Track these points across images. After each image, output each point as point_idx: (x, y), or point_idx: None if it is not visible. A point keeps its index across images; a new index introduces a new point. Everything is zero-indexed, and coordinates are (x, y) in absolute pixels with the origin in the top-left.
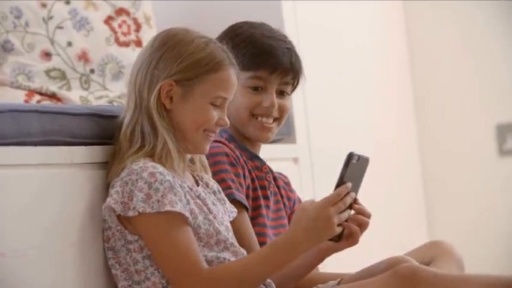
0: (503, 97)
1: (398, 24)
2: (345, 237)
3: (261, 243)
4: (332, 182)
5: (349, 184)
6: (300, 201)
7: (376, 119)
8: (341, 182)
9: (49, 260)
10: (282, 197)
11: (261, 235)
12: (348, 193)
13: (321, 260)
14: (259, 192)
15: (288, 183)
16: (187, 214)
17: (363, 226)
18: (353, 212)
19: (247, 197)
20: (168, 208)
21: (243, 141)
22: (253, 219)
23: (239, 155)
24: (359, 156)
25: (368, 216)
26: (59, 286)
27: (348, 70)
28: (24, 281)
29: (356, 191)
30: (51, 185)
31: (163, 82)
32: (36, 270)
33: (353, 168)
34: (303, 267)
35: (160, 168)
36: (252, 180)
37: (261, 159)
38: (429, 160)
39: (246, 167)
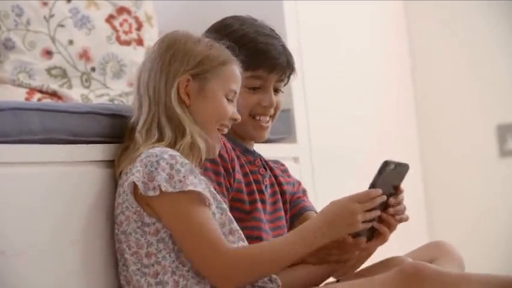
0: (504, 97)
1: (399, 24)
2: (376, 237)
3: (257, 238)
4: (332, 180)
5: (379, 190)
6: (299, 183)
7: (377, 119)
8: (372, 188)
9: (50, 258)
10: (280, 184)
11: (256, 229)
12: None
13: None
14: (253, 186)
15: (285, 170)
16: (208, 196)
17: (392, 227)
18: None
19: (239, 194)
20: (191, 188)
21: (235, 137)
22: (250, 214)
23: (233, 155)
24: (396, 164)
25: (401, 220)
26: (60, 284)
27: (349, 70)
28: (24, 279)
29: (393, 195)
30: (52, 183)
31: (180, 78)
32: (37, 269)
33: (389, 175)
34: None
35: (178, 153)
36: (246, 174)
37: (253, 153)
38: (430, 160)
39: (237, 163)
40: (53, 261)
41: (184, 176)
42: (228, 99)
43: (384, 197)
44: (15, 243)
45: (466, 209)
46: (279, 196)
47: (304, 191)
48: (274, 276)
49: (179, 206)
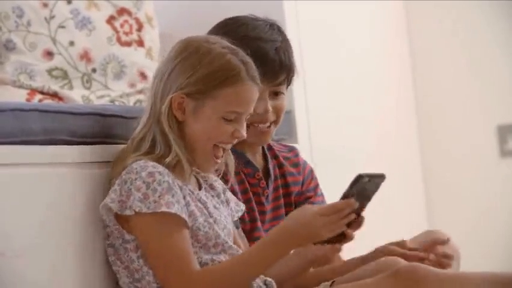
0: (504, 98)
1: (399, 25)
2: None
3: None
4: (333, 180)
5: (352, 200)
6: (311, 179)
7: (377, 120)
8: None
9: (49, 260)
10: (287, 186)
11: None
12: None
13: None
14: (253, 202)
15: (296, 164)
16: (184, 216)
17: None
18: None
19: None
20: (164, 209)
21: (242, 145)
22: (250, 233)
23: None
24: (370, 176)
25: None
26: (58, 285)
27: (350, 70)
28: (23, 280)
29: (365, 204)
30: (52, 184)
31: (173, 94)
32: (36, 270)
33: (363, 186)
34: (299, 267)
35: (161, 168)
36: (244, 191)
37: (254, 166)
38: (430, 161)
39: (236, 184)
40: (53, 263)
41: (159, 196)
42: (227, 120)
43: (357, 205)
44: (15, 244)
45: (466, 209)
46: (282, 201)
47: (315, 188)
48: (269, 279)
49: (152, 227)
